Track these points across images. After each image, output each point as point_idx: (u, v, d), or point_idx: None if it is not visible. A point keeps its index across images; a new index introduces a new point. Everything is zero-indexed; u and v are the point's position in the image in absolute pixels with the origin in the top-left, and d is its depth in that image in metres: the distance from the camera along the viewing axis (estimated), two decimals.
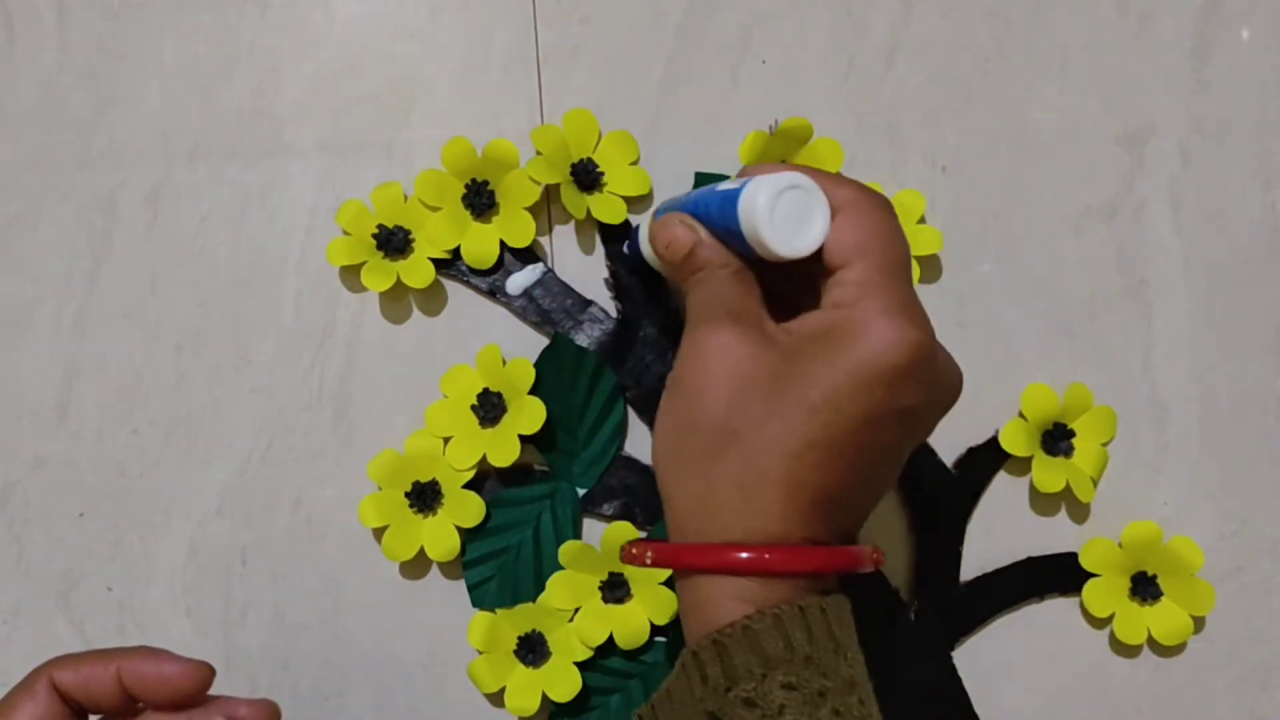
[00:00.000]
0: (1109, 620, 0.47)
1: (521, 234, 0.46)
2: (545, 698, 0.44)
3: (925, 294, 0.48)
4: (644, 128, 0.47)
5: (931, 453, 0.47)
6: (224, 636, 0.46)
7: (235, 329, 0.47)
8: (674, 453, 0.35)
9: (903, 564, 0.47)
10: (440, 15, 0.47)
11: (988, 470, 0.48)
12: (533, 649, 0.45)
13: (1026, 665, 0.47)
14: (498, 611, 0.45)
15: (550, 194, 0.47)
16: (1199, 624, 0.47)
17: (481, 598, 0.46)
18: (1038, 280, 0.48)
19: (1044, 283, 0.48)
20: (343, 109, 0.47)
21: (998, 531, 0.47)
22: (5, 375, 0.46)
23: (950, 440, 0.47)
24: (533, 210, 0.46)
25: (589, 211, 0.46)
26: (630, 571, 0.45)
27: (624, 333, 0.46)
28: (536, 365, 0.45)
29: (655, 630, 0.45)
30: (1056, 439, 0.47)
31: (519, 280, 0.46)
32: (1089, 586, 0.47)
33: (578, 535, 0.46)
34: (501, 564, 0.46)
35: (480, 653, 0.44)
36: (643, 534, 0.45)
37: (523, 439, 0.44)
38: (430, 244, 0.46)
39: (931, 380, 0.34)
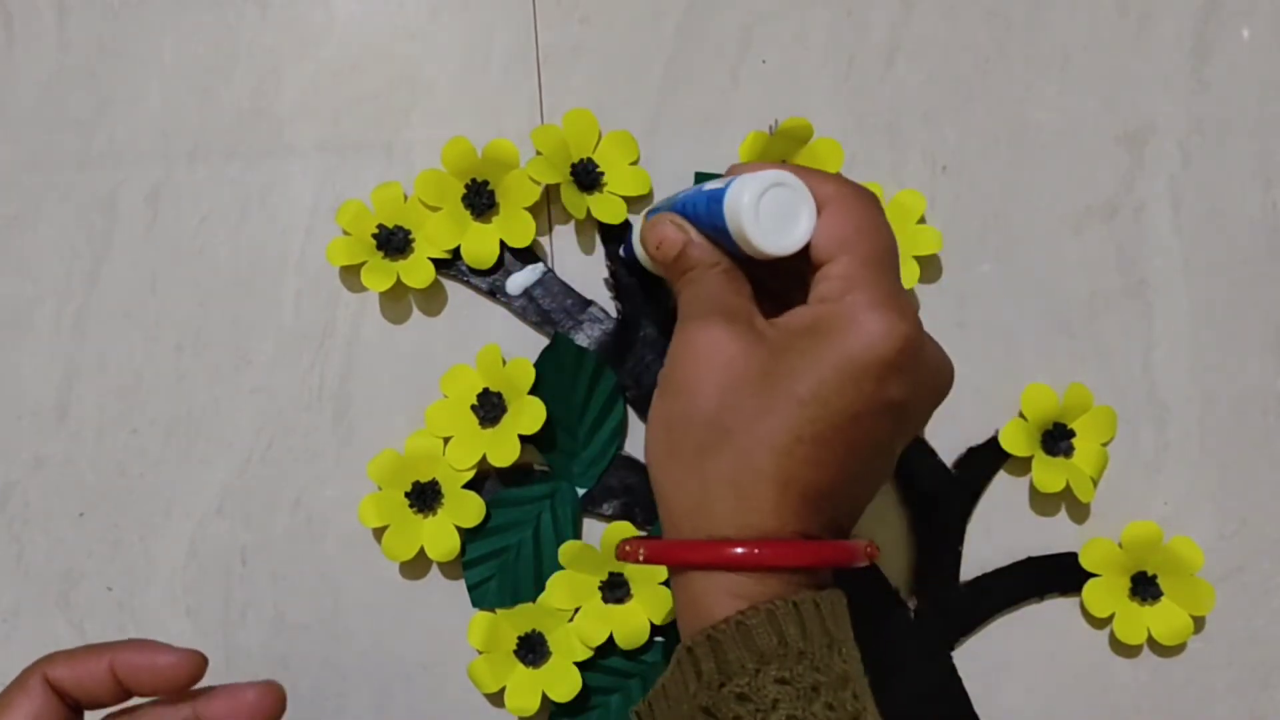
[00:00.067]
0: (1109, 620, 0.47)
1: (521, 234, 0.46)
2: (545, 698, 0.44)
3: (925, 294, 0.48)
4: (644, 128, 0.47)
5: (931, 453, 0.47)
6: (224, 636, 0.46)
7: (235, 329, 0.47)
8: (666, 450, 0.35)
9: (902, 564, 0.47)
10: (440, 15, 0.47)
11: (988, 470, 0.48)
12: (533, 649, 0.45)
13: (1026, 665, 0.47)
14: (498, 611, 0.45)
15: (550, 194, 0.47)
16: (1199, 624, 0.47)
17: (481, 598, 0.46)
18: (1038, 280, 0.48)
19: (1044, 283, 0.48)
20: (343, 109, 0.47)
21: (998, 531, 0.47)
22: (5, 375, 0.46)
23: (950, 440, 0.47)
24: (533, 210, 0.46)
25: (589, 211, 0.46)
26: (630, 571, 0.45)
27: (624, 333, 0.46)
28: (536, 365, 0.45)
29: (655, 630, 0.45)
30: (1056, 439, 0.47)
31: (519, 280, 0.46)
32: (1089, 586, 0.47)
33: (578, 535, 0.46)
34: (501, 564, 0.46)
35: (480, 653, 0.44)
36: (642, 534, 0.45)
37: (523, 439, 0.44)
38: (430, 244, 0.46)
39: (920, 372, 0.34)
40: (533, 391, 0.45)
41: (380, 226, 0.45)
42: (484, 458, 0.45)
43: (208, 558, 0.46)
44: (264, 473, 0.46)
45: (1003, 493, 0.48)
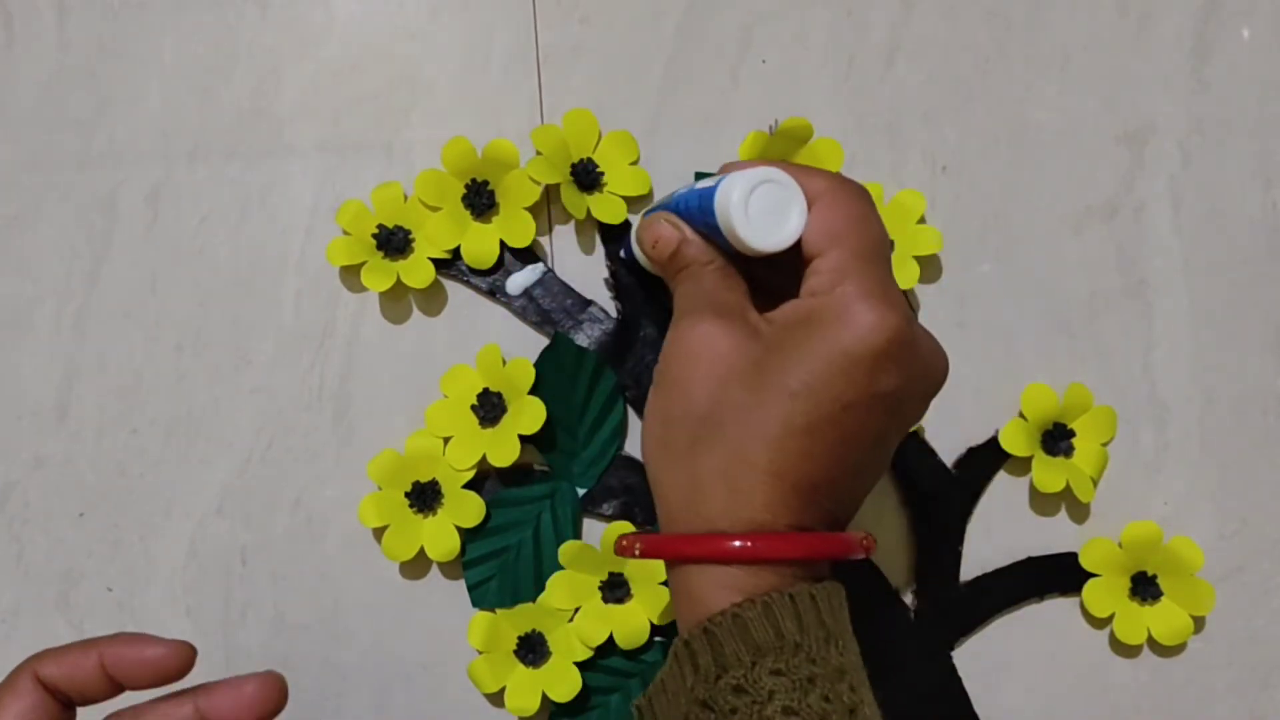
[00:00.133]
0: (1109, 620, 0.47)
1: (521, 234, 0.46)
2: (545, 698, 0.44)
3: (925, 294, 0.48)
4: (644, 128, 0.47)
5: (931, 453, 0.47)
6: (224, 636, 0.46)
7: (235, 329, 0.47)
8: (661, 445, 0.36)
9: (903, 564, 0.47)
10: (440, 15, 0.47)
11: (988, 470, 0.48)
12: (533, 649, 0.45)
13: (1026, 665, 0.47)
14: (498, 611, 0.45)
15: (550, 194, 0.47)
16: (1199, 624, 0.47)
17: (481, 598, 0.46)
18: (1038, 280, 0.48)
19: (1044, 283, 0.48)
20: (343, 109, 0.47)
21: (998, 531, 0.47)
22: (5, 375, 0.46)
23: (950, 440, 0.47)
24: (533, 210, 0.46)
25: (589, 211, 0.46)
26: (630, 571, 0.45)
27: (624, 333, 0.46)
28: (536, 365, 0.45)
29: (655, 630, 0.45)
30: (1056, 439, 0.47)
31: (519, 280, 0.46)
32: (1089, 586, 0.47)
33: (578, 535, 0.46)
34: (501, 564, 0.46)
35: (480, 653, 0.44)
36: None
37: (523, 439, 0.44)
38: (430, 244, 0.46)
39: (912, 364, 0.33)
40: (533, 391, 0.45)
41: (380, 226, 0.45)
42: (484, 458, 0.45)
43: (208, 558, 0.46)
44: (264, 473, 0.46)
45: (1003, 493, 0.48)
